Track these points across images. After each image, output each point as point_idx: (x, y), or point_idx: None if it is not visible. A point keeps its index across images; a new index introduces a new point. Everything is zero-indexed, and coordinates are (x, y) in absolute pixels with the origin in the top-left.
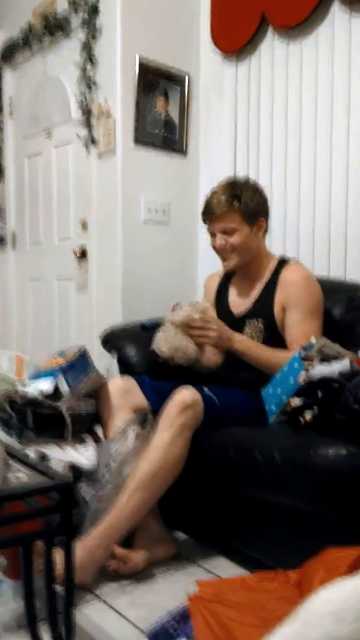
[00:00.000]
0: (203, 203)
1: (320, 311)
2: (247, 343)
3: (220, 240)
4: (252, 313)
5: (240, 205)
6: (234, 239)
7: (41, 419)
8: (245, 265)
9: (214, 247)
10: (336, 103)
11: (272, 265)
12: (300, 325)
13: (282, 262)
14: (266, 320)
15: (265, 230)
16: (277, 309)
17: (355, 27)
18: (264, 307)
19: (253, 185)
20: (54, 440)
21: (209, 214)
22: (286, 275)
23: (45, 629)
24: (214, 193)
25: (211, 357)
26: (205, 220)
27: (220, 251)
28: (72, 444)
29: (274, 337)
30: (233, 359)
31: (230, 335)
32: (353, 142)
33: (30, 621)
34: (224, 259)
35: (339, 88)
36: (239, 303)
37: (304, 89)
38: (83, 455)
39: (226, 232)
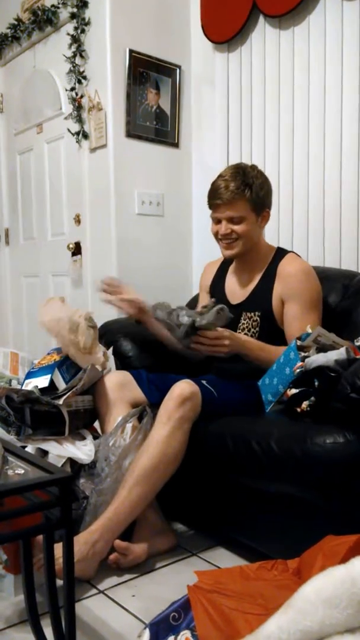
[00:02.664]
0: (210, 186)
1: (319, 304)
2: (248, 344)
3: (225, 227)
4: (248, 304)
5: (252, 194)
6: (241, 228)
7: (39, 416)
8: (245, 254)
9: (216, 234)
10: (329, 90)
11: (269, 255)
12: (299, 319)
13: (280, 253)
14: (263, 312)
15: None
16: (275, 301)
17: (347, 13)
18: (261, 298)
19: (262, 174)
20: (52, 437)
21: (217, 199)
22: (284, 267)
23: (47, 622)
24: (222, 178)
25: None
26: (211, 206)
27: (224, 238)
28: (70, 439)
29: (270, 329)
30: None
31: (240, 342)
32: (346, 131)
33: (31, 615)
34: (226, 247)
35: (332, 75)
36: (235, 292)
37: (296, 77)
38: (81, 450)
39: (232, 220)
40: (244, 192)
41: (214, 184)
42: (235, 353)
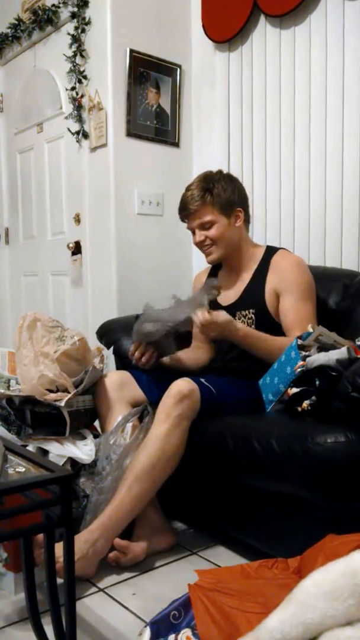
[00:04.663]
0: (179, 201)
1: (313, 295)
2: (244, 330)
3: (199, 236)
4: (241, 303)
5: (213, 197)
6: (212, 232)
7: (40, 417)
8: (229, 257)
9: (195, 244)
10: (330, 89)
11: (259, 254)
12: (295, 309)
13: (271, 250)
14: (257, 309)
15: (247, 221)
16: (268, 294)
17: (349, 12)
18: (253, 295)
19: (227, 176)
20: (53, 436)
21: (184, 211)
22: (277, 260)
23: (48, 621)
24: (187, 190)
25: (197, 356)
26: (182, 219)
27: (201, 246)
28: (71, 439)
29: (266, 324)
30: (228, 348)
31: (231, 323)
32: (347, 130)
33: (32, 613)
34: (206, 254)
35: (333, 74)
36: (227, 295)
37: (297, 76)
38: (82, 450)
39: (204, 227)
40: (204, 197)
41: (181, 197)
42: (230, 341)
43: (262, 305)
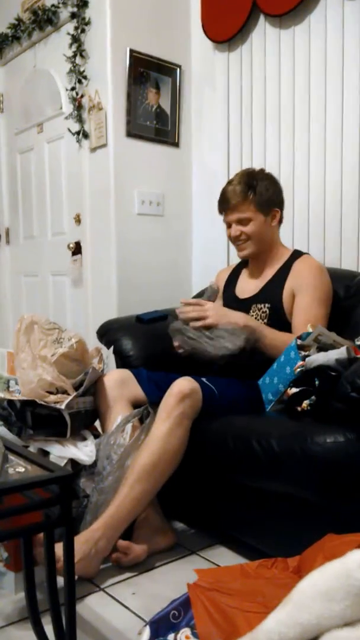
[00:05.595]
0: (220, 193)
1: (328, 301)
2: (249, 317)
3: (235, 230)
4: (258, 298)
5: (255, 195)
6: (249, 229)
7: (41, 419)
8: (259, 253)
9: (229, 237)
10: (329, 89)
11: (285, 255)
12: (306, 311)
13: (296, 254)
14: (272, 305)
15: (280, 222)
16: (285, 294)
17: (348, 12)
18: (272, 292)
19: (269, 176)
20: (54, 437)
21: (224, 204)
22: (297, 264)
23: (48, 620)
24: (229, 183)
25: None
26: (221, 211)
27: (235, 240)
28: (72, 440)
29: (279, 322)
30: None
31: (226, 311)
32: (347, 131)
33: (32, 613)
34: (239, 249)
35: (332, 74)
36: (246, 289)
37: (296, 76)
38: (83, 451)
39: (241, 222)
40: (247, 194)
41: (222, 190)
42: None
43: (278, 303)
